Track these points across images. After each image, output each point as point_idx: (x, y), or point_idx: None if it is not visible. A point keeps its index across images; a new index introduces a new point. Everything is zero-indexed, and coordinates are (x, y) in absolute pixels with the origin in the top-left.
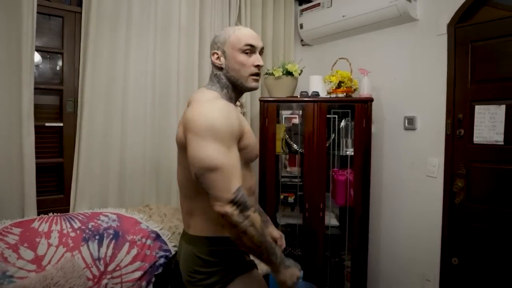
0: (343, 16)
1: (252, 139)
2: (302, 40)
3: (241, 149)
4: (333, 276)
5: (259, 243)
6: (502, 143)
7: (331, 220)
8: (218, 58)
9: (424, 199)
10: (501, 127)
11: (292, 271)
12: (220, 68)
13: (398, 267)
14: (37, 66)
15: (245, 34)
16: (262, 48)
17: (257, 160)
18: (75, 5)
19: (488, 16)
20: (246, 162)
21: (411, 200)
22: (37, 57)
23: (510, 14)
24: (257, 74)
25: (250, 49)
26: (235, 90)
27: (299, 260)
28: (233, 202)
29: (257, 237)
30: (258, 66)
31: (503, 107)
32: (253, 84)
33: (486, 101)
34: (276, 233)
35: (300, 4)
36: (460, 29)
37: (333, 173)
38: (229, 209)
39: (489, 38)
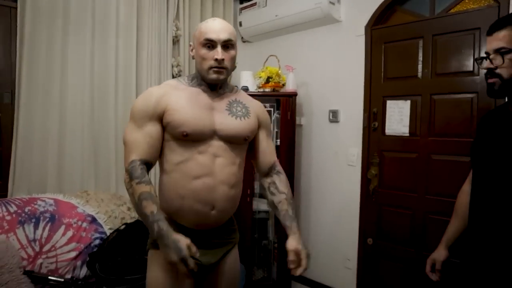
0: (276, 16)
1: (177, 116)
2: (242, 37)
3: (166, 125)
4: (261, 256)
5: (137, 211)
6: (408, 134)
7: (261, 205)
8: (191, 49)
9: (345, 186)
10: (407, 120)
11: (167, 253)
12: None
13: (324, 248)
14: None
15: (206, 28)
16: (227, 40)
17: None
18: (10, 0)
19: (398, 20)
20: (178, 138)
21: (335, 187)
22: None
23: (415, 19)
24: (218, 67)
25: (210, 43)
26: (204, 79)
27: None
28: (127, 171)
29: (134, 206)
30: (217, 60)
31: (408, 102)
32: (213, 76)
33: (396, 97)
34: (292, 244)
35: (241, 3)
36: (376, 31)
37: None
38: (125, 176)
39: (398, 40)
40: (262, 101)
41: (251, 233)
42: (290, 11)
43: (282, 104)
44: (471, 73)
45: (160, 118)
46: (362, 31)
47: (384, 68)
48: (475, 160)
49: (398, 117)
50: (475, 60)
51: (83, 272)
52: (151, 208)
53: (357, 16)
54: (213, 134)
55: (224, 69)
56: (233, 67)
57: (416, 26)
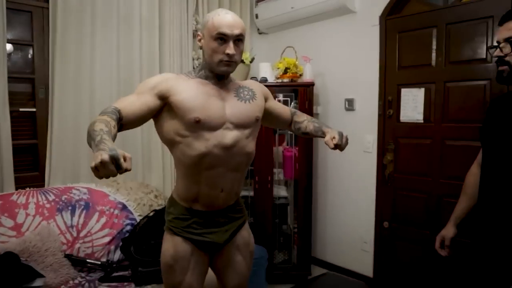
0: (291, 8)
1: (187, 102)
2: (258, 29)
3: (176, 109)
4: (282, 241)
5: (88, 133)
6: (422, 121)
7: (281, 191)
8: (199, 39)
9: (362, 171)
10: (421, 108)
11: (96, 154)
12: (202, 48)
13: (342, 231)
14: (9, 55)
15: (219, 22)
16: (239, 35)
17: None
18: (42, 0)
19: (412, 10)
20: (191, 128)
21: (351, 173)
22: (8, 46)
23: (429, 9)
24: (228, 61)
25: (223, 37)
26: (212, 71)
27: (252, 226)
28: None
29: (87, 131)
30: (228, 55)
31: (422, 90)
32: (223, 68)
33: (410, 85)
34: (329, 130)
35: None
36: (390, 21)
37: (283, 150)
38: None
39: (412, 30)
40: (280, 91)
41: (272, 218)
42: (305, 2)
43: (300, 94)
44: (484, 60)
45: (162, 95)
46: (376, 21)
47: (398, 57)
48: (485, 141)
49: (412, 105)
50: (487, 48)
51: (117, 256)
52: (101, 126)
53: (372, 7)
54: (225, 122)
55: (234, 62)
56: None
57: (429, 16)
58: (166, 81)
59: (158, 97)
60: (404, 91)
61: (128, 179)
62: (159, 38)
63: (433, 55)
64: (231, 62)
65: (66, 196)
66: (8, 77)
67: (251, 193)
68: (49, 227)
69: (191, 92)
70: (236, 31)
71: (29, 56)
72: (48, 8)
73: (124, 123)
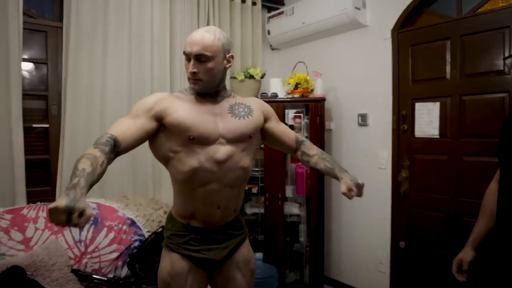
0: (302, 23)
1: (182, 120)
2: (271, 45)
3: (171, 128)
4: (294, 260)
5: (74, 166)
6: (438, 136)
7: (293, 209)
8: None
9: (376, 189)
10: (436, 122)
11: (61, 197)
12: None
13: (356, 250)
14: (29, 73)
15: (187, 40)
16: (199, 55)
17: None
18: (57, 20)
19: (425, 22)
20: (185, 145)
21: (365, 190)
22: (29, 65)
23: (442, 21)
24: (194, 79)
25: (186, 56)
26: None
27: (262, 244)
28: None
29: (77, 159)
30: (191, 73)
31: (438, 103)
32: (191, 85)
33: (424, 98)
34: (344, 175)
35: (269, 11)
36: (402, 34)
37: (295, 166)
38: None
39: (425, 42)
40: (291, 107)
41: (283, 236)
42: (316, 18)
43: (311, 109)
44: (502, 72)
45: (158, 117)
46: (388, 34)
47: (412, 70)
48: (502, 157)
49: (427, 119)
50: (504, 58)
51: (124, 272)
52: (85, 166)
53: (383, 20)
54: (218, 137)
55: (199, 80)
56: (218, 77)
57: (443, 28)
58: (161, 102)
59: (154, 119)
60: (419, 105)
61: (138, 195)
62: (170, 55)
63: (448, 67)
64: (197, 80)
65: None
66: (24, 94)
67: (262, 210)
68: (57, 242)
69: (185, 111)
70: (195, 49)
71: (44, 74)
72: (62, 28)
73: (121, 150)
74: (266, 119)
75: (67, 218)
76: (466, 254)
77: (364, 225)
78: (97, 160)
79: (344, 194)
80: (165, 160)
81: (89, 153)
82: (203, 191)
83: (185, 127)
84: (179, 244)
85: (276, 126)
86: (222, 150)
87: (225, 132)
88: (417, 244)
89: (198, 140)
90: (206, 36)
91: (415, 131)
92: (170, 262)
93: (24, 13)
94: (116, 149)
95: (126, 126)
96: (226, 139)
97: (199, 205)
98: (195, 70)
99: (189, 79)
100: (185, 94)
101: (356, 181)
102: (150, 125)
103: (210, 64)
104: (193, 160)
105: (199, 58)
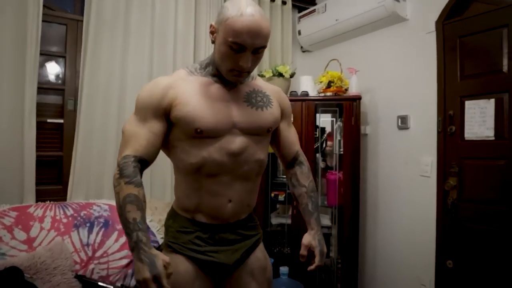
0: (336, 20)
1: (188, 111)
2: (302, 47)
3: (176, 121)
4: (323, 278)
5: (119, 214)
6: (493, 138)
7: (323, 220)
8: (211, 32)
9: (418, 200)
10: (491, 122)
11: (139, 267)
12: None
13: (395, 269)
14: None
15: (239, 27)
16: (261, 48)
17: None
18: (78, 14)
19: (476, 11)
20: (192, 137)
21: (405, 201)
22: (56, 67)
23: (496, 7)
24: (241, 72)
25: (238, 47)
26: (219, 71)
27: (288, 258)
28: (118, 165)
29: (117, 206)
30: (242, 66)
31: (492, 101)
32: (231, 78)
33: (476, 96)
34: (306, 239)
35: (299, 11)
36: (448, 25)
37: (327, 173)
38: (115, 171)
39: (476, 33)
40: (322, 107)
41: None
42: (351, 13)
43: (345, 109)
44: None
45: (166, 113)
46: (432, 27)
47: (460, 65)
48: None
49: (480, 119)
50: None
51: (134, 281)
52: (135, 214)
53: (426, 12)
54: (231, 127)
55: (247, 73)
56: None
57: (497, 14)
58: (167, 93)
59: (164, 117)
60: (469, 104)
61: (154, 199)
62: (194, 52)
63: (504, 59)
64: (244, 73)
65: (85, 212)
66: (40, 88)
67: (289, 221)
68: (62, 244)
69: (194, 100)
70: (258, 42)
71: (61, 68)
72: (82, 21)
73: (149, 164)
74: (281, 116)
75: (158, 286)
76: None
77: (404, 241)
78: (140, 200)
79: (302, 255)
80: (168, 149)
81: (128, 194)
82: (211, 182)
83: (192, 119)
84: (183, 244)
85: (284, 129)
86: (236, 141)
87: (240, 123)
88: (467, 263)
89: (206, 133)
90: (264, 25)
91: (465, 133)
92: (172, 264)
93: (44, 6)
94: (144, 169)
95: (144, 138)
96: (240, 129)
97: (205, 197)
98: (250, 64)
99: (232, 70)
100: (194, 74)
101: (323, 246)
102: (160, 125)
103: (262, 55)
104: (201, 151)
105: (258, 51)
